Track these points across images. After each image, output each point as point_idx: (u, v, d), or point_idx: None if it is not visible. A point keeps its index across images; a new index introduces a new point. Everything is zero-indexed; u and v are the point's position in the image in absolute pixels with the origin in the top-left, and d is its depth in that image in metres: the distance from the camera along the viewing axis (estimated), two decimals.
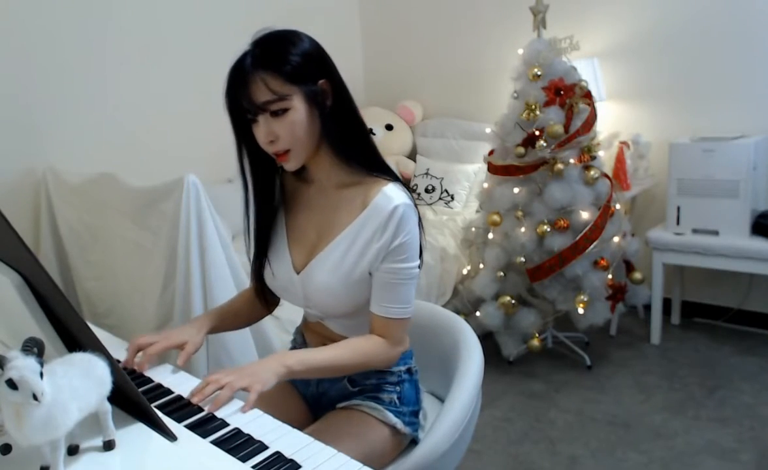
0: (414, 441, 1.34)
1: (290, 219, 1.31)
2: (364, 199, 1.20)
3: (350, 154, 1.20)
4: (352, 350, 1.19)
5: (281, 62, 1.12)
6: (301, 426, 1.05)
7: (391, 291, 1.19)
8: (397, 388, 1.31)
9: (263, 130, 1.14)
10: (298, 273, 1.26)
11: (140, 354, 1.22)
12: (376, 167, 1.22)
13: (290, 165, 1.20)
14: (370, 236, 1.18)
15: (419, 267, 1.23)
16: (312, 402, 1.39)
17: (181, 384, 1.14)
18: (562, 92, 2.62)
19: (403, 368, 1.33)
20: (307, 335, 1.40)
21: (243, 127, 1.19)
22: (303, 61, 1.13)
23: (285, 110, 1.12)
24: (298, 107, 1.13)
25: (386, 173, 1.22)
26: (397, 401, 1.30)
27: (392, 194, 1.17)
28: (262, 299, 1.38)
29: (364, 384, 1.31)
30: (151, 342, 1.22)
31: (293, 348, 1.44)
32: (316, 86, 1.15)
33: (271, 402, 1.21)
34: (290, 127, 1.13)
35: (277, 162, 1.21)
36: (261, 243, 1.31)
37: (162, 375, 1.18)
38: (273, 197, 1.31)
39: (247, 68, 1.12)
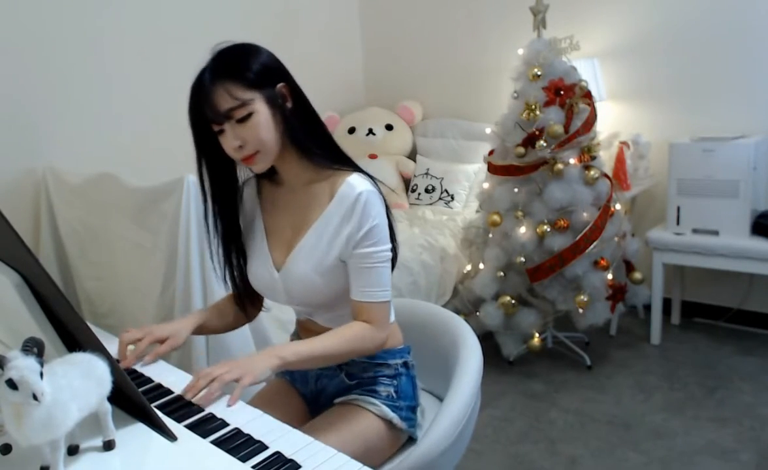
0: (412, 439, 1.35)
1: (268, 221, 1.36)
2: (331, 191, 1.26)
3: (313, 150, 1.26)
4: (341, 337, 1.22)
5: (240, 69, 1.17)
6: (299, 424, 1.06)
7: (367, 275, 1.23)
8: (394, 382, 1.33)
9: (230, 137, 1.19)
10: (278, 270, 1.30)
11: (130, 347, 1.26)
12: (339, 160, 1.28)
13: (259, 166, 1.24)
14: (338, 224, 1.23)
15: (394, 251, 1.29)
16: (311, 399, 1.41)
17: (181, 384, 1.14)
18: (562, 92, 2.62)
19: (399, 361, 1.35)
20: (300, 333, 1.44)
21: (204, 142, 1.24)
22: (260, 67, 1.20)
23: (249, 114, 1.17)
24: (261, 110, 1.18)
25: (349, 165, 1.28)
26: (394, 394, 1.32)
27: (355, 183, 1.23)
28: (241, 306, 1.42)
29: (362, 377, 1.33)
30: (138, 337, 1.27)
31: None
32: (275, 90, 1.21)
33: (270, 402, 1.23)
34: (255, 131, 1.18)
35: (245, 166, 1.25)
36: (236, 251, 1.35)
37: (162, 375, 1.18)
38: (236, 208, 1.35)
39: (208, 80, 1.17)
